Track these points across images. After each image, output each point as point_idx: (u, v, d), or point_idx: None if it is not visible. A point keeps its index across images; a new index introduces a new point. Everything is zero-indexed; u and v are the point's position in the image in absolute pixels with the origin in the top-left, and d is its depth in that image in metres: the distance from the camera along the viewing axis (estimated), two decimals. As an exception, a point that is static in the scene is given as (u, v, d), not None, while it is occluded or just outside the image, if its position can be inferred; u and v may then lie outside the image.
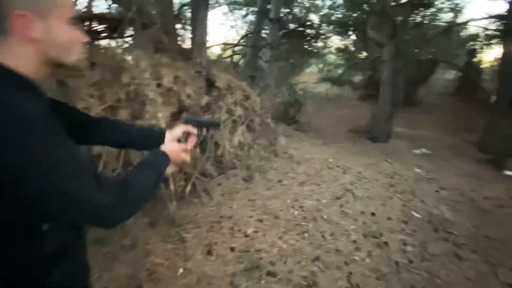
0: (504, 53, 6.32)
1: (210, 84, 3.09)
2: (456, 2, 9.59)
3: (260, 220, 2.41)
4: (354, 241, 2.22)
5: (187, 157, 0.84)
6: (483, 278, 1.90)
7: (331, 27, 10.52)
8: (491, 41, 8.94)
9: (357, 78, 10.14)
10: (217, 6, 7.83)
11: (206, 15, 2.80)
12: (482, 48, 9.92)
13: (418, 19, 8.21)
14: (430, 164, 5.13)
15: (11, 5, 0.51)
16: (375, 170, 4.25)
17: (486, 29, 8.21)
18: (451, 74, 11.25)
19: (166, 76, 2.07)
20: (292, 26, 9.10)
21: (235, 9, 8.37)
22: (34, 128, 0.48)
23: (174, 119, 2.17)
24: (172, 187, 2.17)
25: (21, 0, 0.52)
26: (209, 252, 1.92)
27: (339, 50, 11.95)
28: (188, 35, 3.58)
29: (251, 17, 9.31)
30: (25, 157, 0.47)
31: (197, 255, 1.87)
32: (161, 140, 0.87)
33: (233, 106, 3.18)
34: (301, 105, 6.64)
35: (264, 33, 6.24)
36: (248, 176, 3.14)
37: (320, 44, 10.97)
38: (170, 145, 0.82)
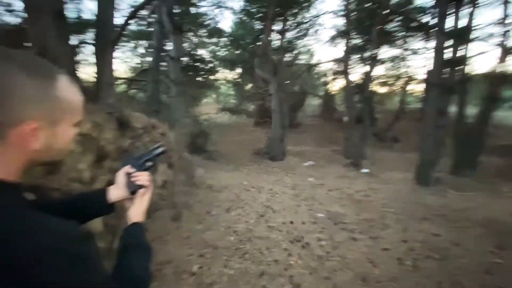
0: (345, 85, 8.95)
1: (122, 125, 2.92)
2: (309, 48, 12.88)
3: (202, 255, 2.44)
4: (286, 249, 2.62)
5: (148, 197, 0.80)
6: (372, 251, 2.68)
7: (219, 62, 11.66)
8: (336, 76, 12.39)
9: (251, 107, 11.57)
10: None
11: (112, 55, 2.70)
12: (332, 80, 13.57)
13: (288, 60, 10.47)
14: (316, 172, 6.47)
15: (24, 113, 0.45)
16: (281, 185, 5.00)
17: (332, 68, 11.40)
18: (315, 101, 14.65)
19: (83, 121, 1.89)
20: (185, 60, 9.52)
21: (123, 42, 7.97)
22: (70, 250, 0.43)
23: (96, 167, 1.97)
24: (101, 244, 1.91)
25: (36, 108, 0.46)
26: (161, 303, 1.81)
27: (230, 82, 13.28)
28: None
29: (141, 50, 9.10)
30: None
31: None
32: (104, 199, 0.78)
33: (151, 145, 3.10)
34: (207, 135, 6.93)
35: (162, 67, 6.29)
36: (176, 215, 3.07)
37: (213, 77, 11.89)
38: (135, 209, 0.75)
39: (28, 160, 0.49)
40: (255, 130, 10.00)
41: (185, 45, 11.91)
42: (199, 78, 10.73)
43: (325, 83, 13.32)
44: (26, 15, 2.87)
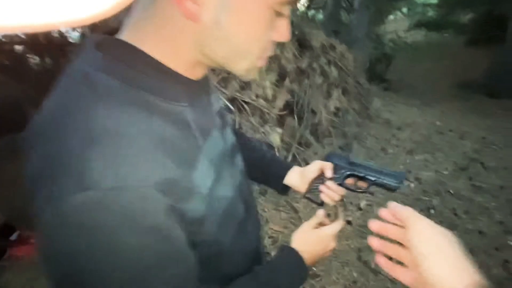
0: None
1: (301, 44, 2.81)
2: None
3: (371, 193, 2.20)
4: (501, 223, 1.82)
5: (334, 243, 0.55)
6: None
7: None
8: None
9: (465, 18, 7.92)
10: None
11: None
12: None
13: None
14: None
15: None
16: (504, 134, 3.40)
17: None
18: None
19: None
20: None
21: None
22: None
23: (278, 86, 2.05)
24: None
25: None
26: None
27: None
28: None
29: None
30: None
31: (313, 227, 1.84)
32: (283, 176, 0.63)
33: (328, 67, 2.86)
34: (390, 60, 5.69)
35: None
36: (344, 145, 2.89)
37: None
38: (303, 232, 0.54)
39: (193, 44, 0.33)
40: (467, 52, 7.00)
41: None
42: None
43: None
44: None
